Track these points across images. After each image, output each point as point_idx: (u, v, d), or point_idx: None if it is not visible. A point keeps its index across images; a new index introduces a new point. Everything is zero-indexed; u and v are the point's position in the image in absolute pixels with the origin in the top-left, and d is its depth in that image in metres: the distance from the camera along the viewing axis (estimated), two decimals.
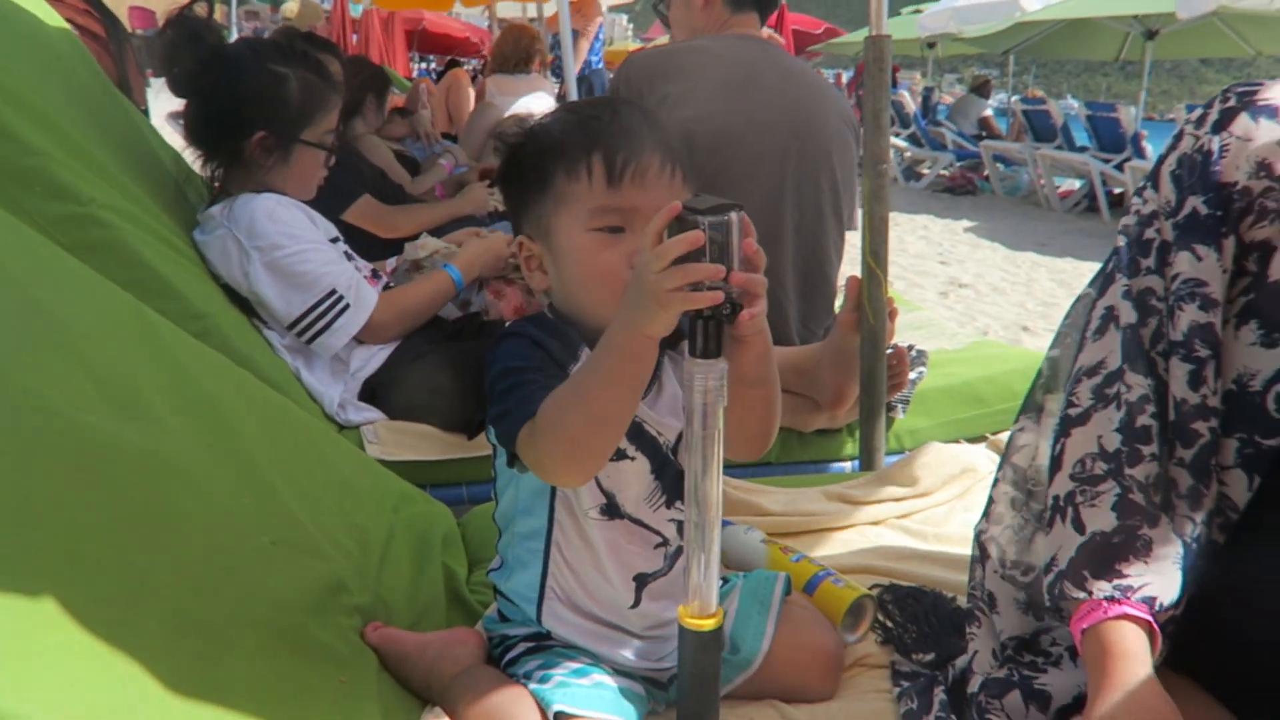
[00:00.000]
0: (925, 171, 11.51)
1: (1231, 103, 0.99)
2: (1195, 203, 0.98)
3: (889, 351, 1.86)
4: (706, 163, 1.92)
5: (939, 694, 1.07)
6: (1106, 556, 0.94)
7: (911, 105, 12.19)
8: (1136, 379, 0.98)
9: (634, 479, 1.01)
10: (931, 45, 13.73)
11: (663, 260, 0.79)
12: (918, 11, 13.95)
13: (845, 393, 1.88)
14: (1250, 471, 0.96)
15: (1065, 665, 1.04)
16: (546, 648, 1.05)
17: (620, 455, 0.99)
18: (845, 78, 16.80)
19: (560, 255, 1.00)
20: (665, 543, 1.05)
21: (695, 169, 1.05)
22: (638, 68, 2.17)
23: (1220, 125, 0.98)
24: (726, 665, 1.07)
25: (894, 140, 11.86)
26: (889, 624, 1.23)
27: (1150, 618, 0.91)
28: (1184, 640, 0.99)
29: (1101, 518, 0.96)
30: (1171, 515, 0.96)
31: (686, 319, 0.83)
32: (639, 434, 1.00)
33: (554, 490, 1.01)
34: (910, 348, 2.11)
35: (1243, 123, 0.97)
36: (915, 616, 1.23)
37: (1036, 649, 1.07)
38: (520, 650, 1.05)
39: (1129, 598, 0.92)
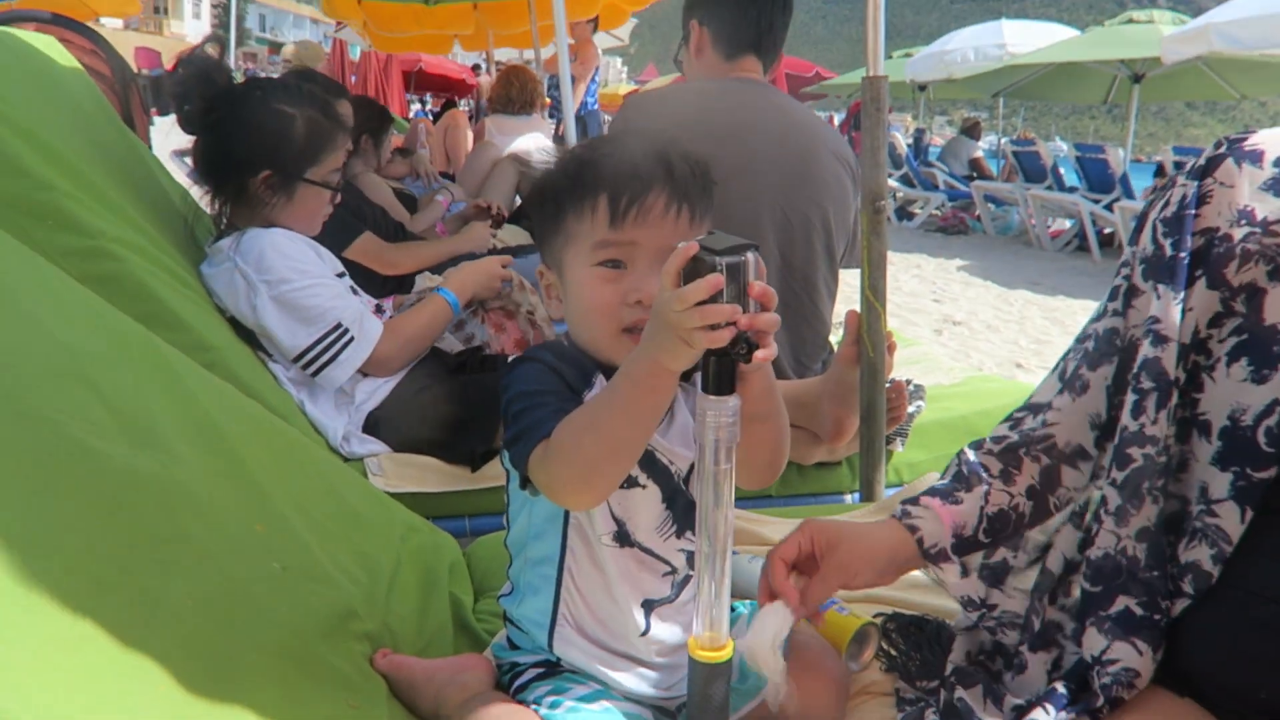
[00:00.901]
0: (918, 211, 11.62)
1: (1222, 150, 1.04)
2: (1167, 245, 1.03)
3: (887, 385, 1.88)
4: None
5: (930, 716, 1.09)
6: (922, 494, 1.17)
7: (903, 146, 12.34)
8: (1037, 417, 1.14)
9: (645, 507, 1.03)
10: (922, 87, 13.91)
11: (684, 302, 0.81)
12: (908, 55, 14.17)
13: (845, 426, 1.90)
14: (1243, 504, 0.98)
15: (1029, 672, 1.09)
16: (556, 674, 1.05)
17: (632, 483, 1.01)
18: (837, 119, 17.02)
19: (568, 288, 1.03)
20: (673, 571, 1.06)
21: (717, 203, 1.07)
22: (635, 109, 2.22)
23: (1205, 171, 1.03)
24: (735, 694, 1.07)
25: (887, 180, 11.96)
26: (893, 652, 1.24)
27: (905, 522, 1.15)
28: (1186, 663, 1.01)
29: (941, 479, 1.19)
30: (1096, 529, 1.06)
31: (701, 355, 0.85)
32: (651, 463, 1.02)
33: (567, 516, 1.03)
34: (908, 382, 2.13)
35: (1227, 168, 1.02)
36: (919, 645, 1.24)
37: (1006, 655, 1.14)
38: (530, 676, 1.06)
39: (904, 518, 1.15)
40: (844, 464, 2.05)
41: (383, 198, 3.56)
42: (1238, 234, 0.99)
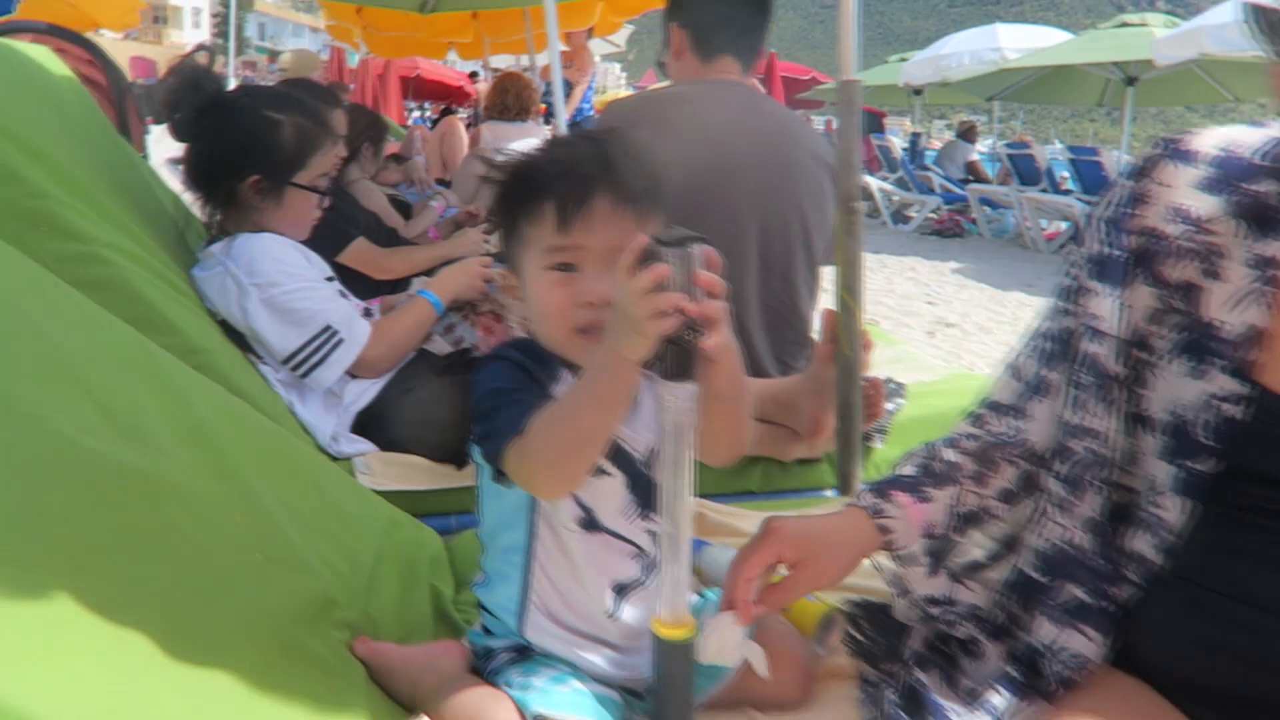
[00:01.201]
0: (913, 215, 11.67)
1: (1159, 150, 1.07)
2: (1106, 243, 1.07)
3: (865, 382, 1.92)
4: (679, 204, 1.99)
5: (889, 694, 1.13)
6: (889, 484, 1.20)
7: (899, 150, 12.41)
8: (1005, 420, 1.17)
9: (611, 493, 1.07)
10: (918, 92, 13.98)
11: (633, 292, 0.86)
12: (904, 60, 14.24)
13: (823, 422, 1.94)
14: (1184, 495, 1.02)
15: (987, 660, 1.13)
16: (527, 658, 1.09)
17: (598, 471, 1.05)
18: (835, 124, 17.05)
19: (525, 290, 1.08)
20: (641, 553, 1.10)
21: (666, 200, 1.11)
22: (615, 115, 2.26)
23: (1143, 173, 1.07)
24: (702, 676, 1.11)
25: (882, 184, 12.06)
26: (858, 637, 1.27)
27: (877, 521, 1.17)
28: (1143, 653, 1.05)
29: (906, 468, 1.21)
30: (1045, 520, 1.11)
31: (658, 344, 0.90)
32: (615, 450, 1.06)
33: (534, 505, 1.07)
34: (887, 380, 2.17)
35: (1163, 168, 1.06)
36: (883, 630, 1.27)
37: (963, 641, 1.17)
38: (502, 661, 1.10)
39: (876, 515, 1.17)
40: (824, 460, 2.08)
41: (376, 204, 3.60)
42: (1174, 232, 1.03)
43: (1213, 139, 1.06)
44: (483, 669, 1.12)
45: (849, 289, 1.86)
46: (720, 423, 0.99)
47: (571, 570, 1.08)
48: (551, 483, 0.98)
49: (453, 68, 14.21)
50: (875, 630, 1.28)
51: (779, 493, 2.04)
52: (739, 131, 2.10)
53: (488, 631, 1.15)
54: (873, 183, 11.90)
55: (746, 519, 1.64)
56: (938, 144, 16.92)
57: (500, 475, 1.03)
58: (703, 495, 1.72)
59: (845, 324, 1.85)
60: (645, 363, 0.93)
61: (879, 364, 2.21)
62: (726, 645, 1.07)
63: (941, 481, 1.18)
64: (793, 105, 14.66)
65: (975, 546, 1.21)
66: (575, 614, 1.09)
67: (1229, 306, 1.01)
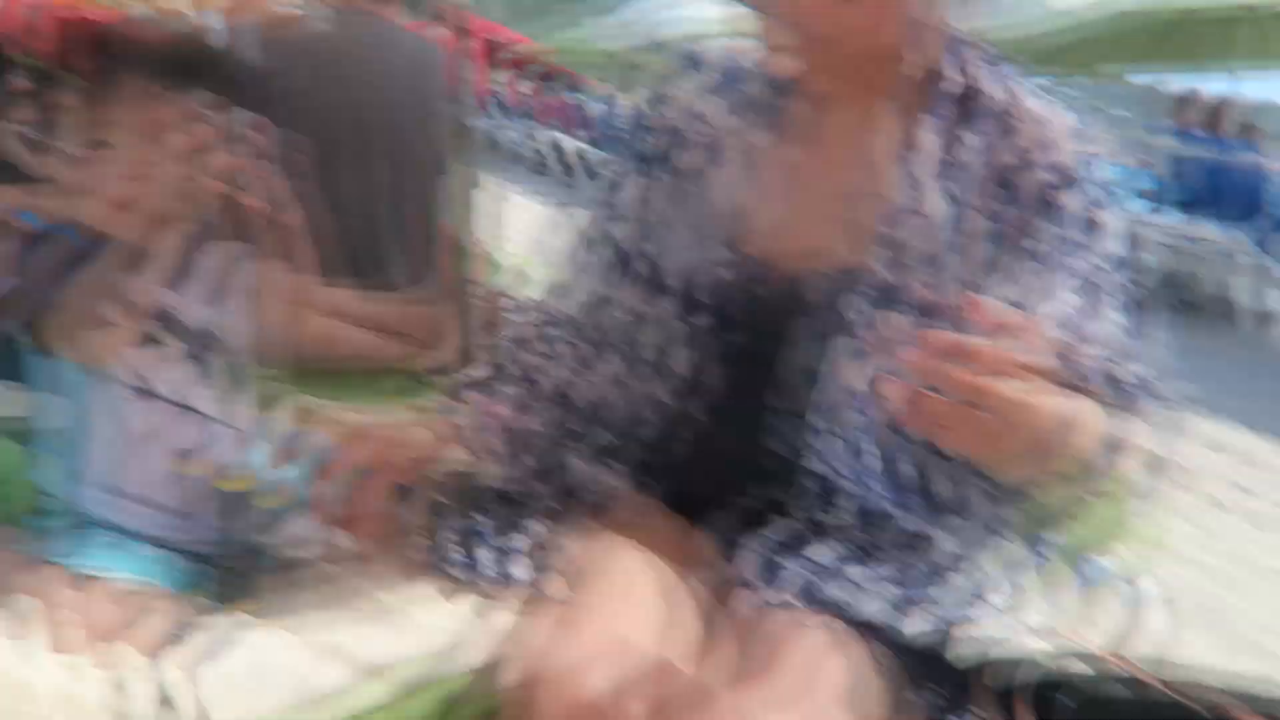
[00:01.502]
0: (606, 172, 12.06)
1: (678, 60, 1.29)
2: (635, 141, 1.26)
3: (485, 295, 2.07)
4: (305, 124, 2.04)
5: (450, 537, 1.28)
6: (466, 387, 1.29)
7: (594, 110, 12.77)
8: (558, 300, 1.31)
9: (167, 362, 1.13)
10: (613, 53, 14.37)
11: (173, 154, 0.94)
12: (600, 20, 14.58)
13: (446, 333, 2.07)
14: (690, 348, 1.23)
15: (536, 497, 1.30)
16: (86, 529, 1.12)
17: (152, 341, 1.10)
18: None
19: (68, 166, 1.12)
20: (204, 419, 1.15)
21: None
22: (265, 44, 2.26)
23: (665, 79, 1.27)
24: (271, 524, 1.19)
25: (577, 143, 12.40)
26: (440, 499, 1.40)
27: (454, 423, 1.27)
28: (659, 476, 1.26)
29: (481, 370, 1.31)
30: (576, 376, 1.28)
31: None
32: (169, 319, 1.11)
33: (88, 377, 1.10)
34: (513, 296, 2.32)
35: (681, 76, 1.26)
36: (459, 487, 1.41)
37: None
38: (60, 535, 1.12)
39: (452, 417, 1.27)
40: (445, 370, 2.20)
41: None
42: (686, 128, 1.25)
43: (721, 48, 1.28)
44: (41, 549, 1.12)
45: (460, 207, 1.99)
46: (282, 285, 1.09)
47: (129, 439, 1.12)
48: (88, 349, 1.03)
49: (117, 9, 12.96)
50: (450, 488, 1.42)
51: (401, 398, 2.13)
52: (356, 62, 2.18)
53: (48, 511, 1.16)
54: (565, 141, 12.20)
55: (357, 415, 1.73)
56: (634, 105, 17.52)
57: (46, 351, 1.06)
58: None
59: (458, 243, 1.99)
60: (198, 229, 1.00)
61: (530, 290, 2.35)
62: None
63: (511, 378, 1.31)
64: (495, 64, 14.64)
65: (543, 425, 1.37)
66: (135, 481, 1.13)
67: (725, 188, 1.23)
